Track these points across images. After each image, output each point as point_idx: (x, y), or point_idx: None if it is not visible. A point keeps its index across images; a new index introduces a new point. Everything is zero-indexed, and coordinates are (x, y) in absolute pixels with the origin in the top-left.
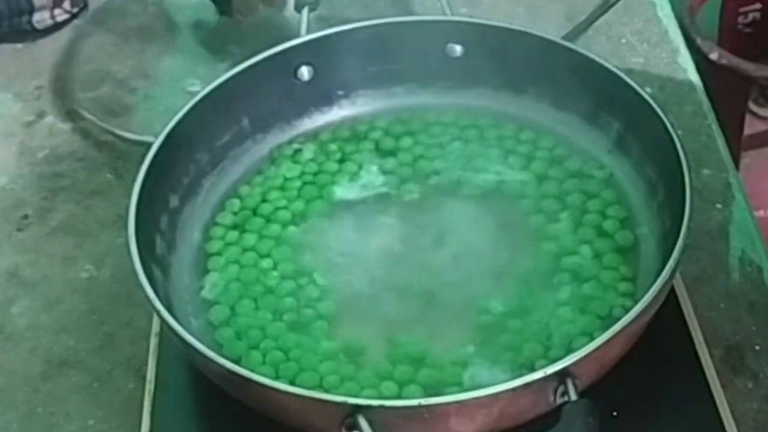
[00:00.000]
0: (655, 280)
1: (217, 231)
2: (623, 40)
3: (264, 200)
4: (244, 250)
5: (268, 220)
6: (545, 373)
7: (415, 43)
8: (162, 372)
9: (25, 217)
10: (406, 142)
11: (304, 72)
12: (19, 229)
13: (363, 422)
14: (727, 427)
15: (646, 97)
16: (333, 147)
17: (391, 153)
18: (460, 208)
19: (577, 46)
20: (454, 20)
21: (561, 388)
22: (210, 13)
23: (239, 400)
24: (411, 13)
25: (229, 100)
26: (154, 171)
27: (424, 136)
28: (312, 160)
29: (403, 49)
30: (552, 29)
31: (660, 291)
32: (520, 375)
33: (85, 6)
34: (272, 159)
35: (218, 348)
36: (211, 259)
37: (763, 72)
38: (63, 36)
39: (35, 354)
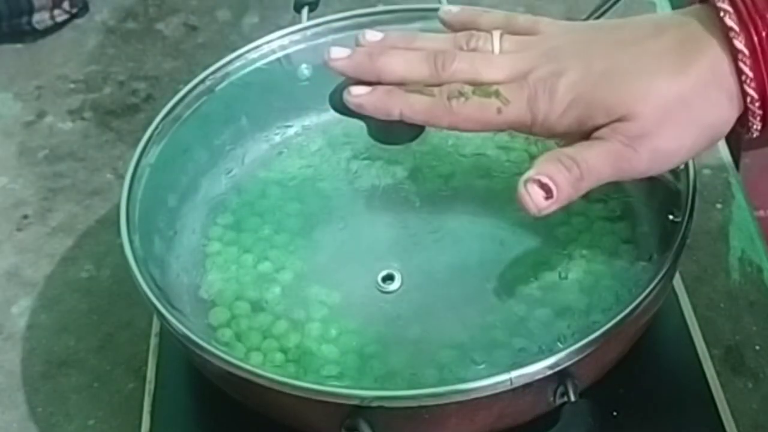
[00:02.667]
0: (654, 280)
1: (216, 231)
2: None
3: (264, 198)
4: (243, 250)
5: (268, 219)
6: (545, 373)
7: None
8: (162, 372)
9: (25, 217)
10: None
11: (304, 70)
12: (19, 229)
13: (363, 423)
14: (727, 427)
15: None
16: (337, 143)
17: (394, 150)
18: (461, 206)
19: None
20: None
21: (561, 389)
22: None
23: (239, 401)
24: None
25: (228, 99)
26: (151, 170)
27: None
28: (315, 155)
29: None
30: None
31: (659, 291)
32: (520, 375)
33: (85, 6)
34: (274, 155)
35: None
36: (209, 259)
37: None
38: (63, 36)
39: (35, 354)
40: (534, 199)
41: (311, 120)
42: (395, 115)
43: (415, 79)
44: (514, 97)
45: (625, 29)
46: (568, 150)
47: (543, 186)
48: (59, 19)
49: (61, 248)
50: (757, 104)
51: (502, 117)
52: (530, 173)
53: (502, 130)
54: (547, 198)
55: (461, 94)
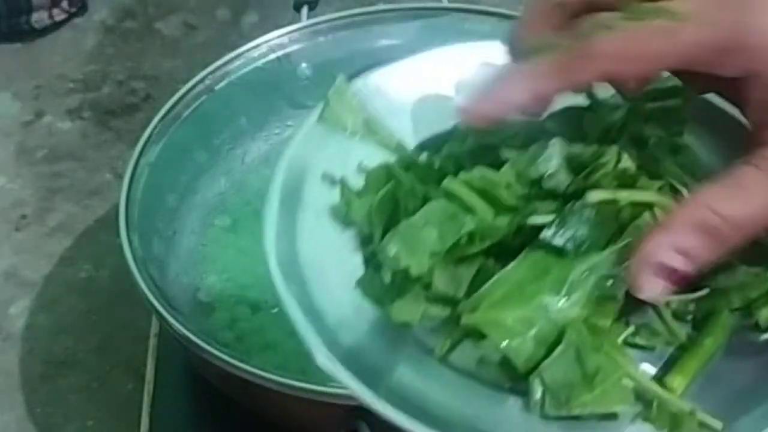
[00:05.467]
0: None
1: (215, 232)
2: None
3: (264, 198)
4: (242, 251)
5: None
6: None
7: (414, 34)
8: (161, 372)
9: (24, 217)
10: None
11: (304, 69)
12: (17, 229)
13: (363, 424)
14: None
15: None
16: None
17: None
18: None
19: None
20: (453, 7)
21: None
22: None
23: (238, 402)
24: None
25: (228, 98)
26: (150, 169)
27: None
28: None
29: (401, 43)
30: None
31: None
32: None
33: (84, 5)
34: (273, 155)
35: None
36: (209, 259)
37: None
38: (61, 35)
39: (34, 354)
40: (654, 290)
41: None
42: (525, 99)
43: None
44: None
45: None
46: (709, 198)
47: (666, 272)
48: (58, 18)
49: (59, 248)
50: None
51: (674, 40)
52: (648, 252)
53: (678, 71)
54: (675, 281)
55: (605, 26)
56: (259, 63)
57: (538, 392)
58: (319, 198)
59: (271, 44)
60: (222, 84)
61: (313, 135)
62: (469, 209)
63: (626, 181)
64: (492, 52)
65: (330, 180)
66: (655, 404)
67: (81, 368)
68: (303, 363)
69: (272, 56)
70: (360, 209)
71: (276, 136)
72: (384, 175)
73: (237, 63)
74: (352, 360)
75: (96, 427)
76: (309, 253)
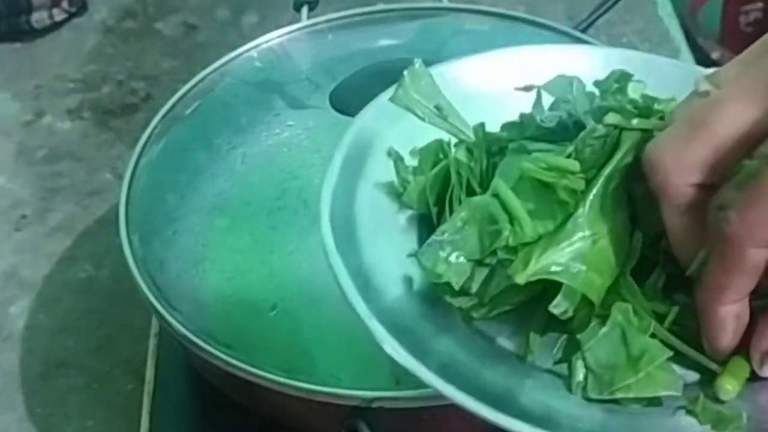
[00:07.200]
0: None
1: (215, 232)
2: (624, 39)
3: (264, 199)
4: (242, 251)
5: (268, 219)
6: None
7: (414, 34)
8: (161, 373)
9: (24, 217)
10: None
11: (304, 69)
12: (17, 229)
13: (362, 424)
14: None
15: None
16: (337, 143)
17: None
18: None
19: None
20: (453, 7)
21: None
22: None
23: (238, 401)
24: None
25: (227, 98)
26: (150, 169)
27: None
28: (315, 155)
29: (401, 43)
30: None
31: None
32: None
33: (84, 5)
34: (273, 155)
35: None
36: (209, 259)
37: None
38: (61, 35)
39: (34, 354)
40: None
41: (311, 120)
42: None
43: None
44: None
45: None
46: None
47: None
48: (58, 18)
49: (59, 248)
50: None
51: None
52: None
53: None
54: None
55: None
56: (259, 63)
57: (580, 374)
58: (381, 172)
59: (271, 44)
60: (222, 84)
61: (383, 112)
62: (509, 214)
63: None
64: (564, 55)
65: (394, 156)
66: (701, 399)
67: (81, 368)
68: (303, 363)
69: (272, 56)
70: (414, 188)
71: (276, 136)
72: (436, 151)
73: (237, 63)
74: (400, 330)
75: (96, 428)
76: (363, 222)
